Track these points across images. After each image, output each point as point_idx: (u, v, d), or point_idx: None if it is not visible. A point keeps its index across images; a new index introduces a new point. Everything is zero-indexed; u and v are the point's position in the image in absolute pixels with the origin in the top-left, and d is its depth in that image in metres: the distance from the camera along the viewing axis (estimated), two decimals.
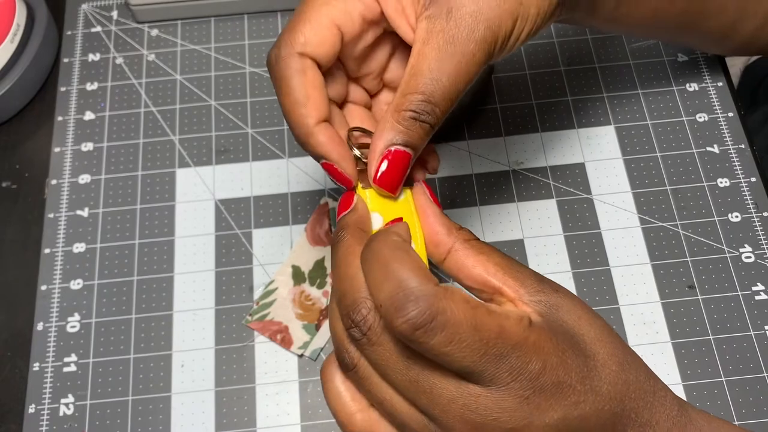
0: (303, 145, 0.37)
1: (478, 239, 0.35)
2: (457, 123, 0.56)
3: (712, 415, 0.36)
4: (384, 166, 0.36)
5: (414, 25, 0.36)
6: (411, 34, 0.37)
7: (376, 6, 0.37)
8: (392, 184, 0.36)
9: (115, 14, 0.62)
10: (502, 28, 0.35)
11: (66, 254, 0.53)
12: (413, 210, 0.37)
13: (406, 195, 0.38)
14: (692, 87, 0.58)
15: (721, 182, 0.54)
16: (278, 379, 0.49)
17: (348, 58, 0.39)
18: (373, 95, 0.41)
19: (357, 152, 0.38)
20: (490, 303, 0.33)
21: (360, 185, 0.38)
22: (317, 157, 0.37)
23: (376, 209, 0.37)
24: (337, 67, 0.39)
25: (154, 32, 0.61)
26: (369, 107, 0.41)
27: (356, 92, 0.41)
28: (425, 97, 0.35)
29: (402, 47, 0.40)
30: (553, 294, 0.33)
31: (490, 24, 0.35)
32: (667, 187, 0.54)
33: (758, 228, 0.52)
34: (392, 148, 0.35)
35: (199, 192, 0.55)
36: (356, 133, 0.39)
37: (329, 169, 0.37)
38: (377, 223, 0.37)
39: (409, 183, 0.38)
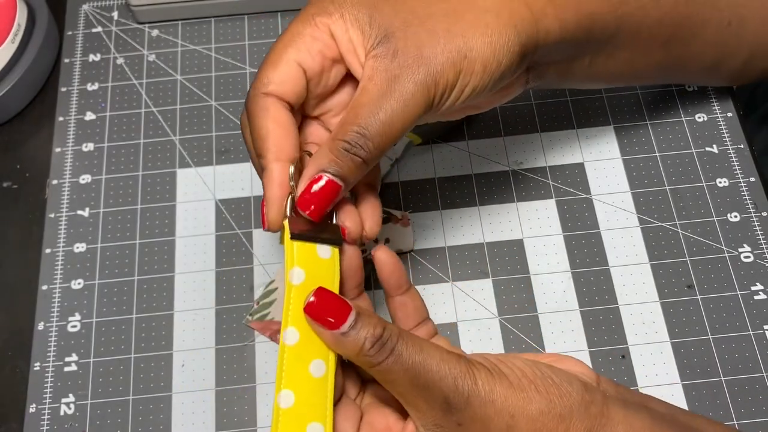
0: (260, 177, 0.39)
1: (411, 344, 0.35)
2: (457, 123, 0.56)
3: (634, 414, 0.36)
4: (311, 189, 0.37)
5: (363, 63, 0.38)
6: (360, 72, 0.38)
7: (333, 44, 0.39)
8: (316, 210, 0.37)
9: (115, 15, 0.62)
10: (444, 76, 0.37)
11: (67, 254, 0.53)
12: (336, 271, 0.38)
13: (333, 254, 0.38)
14: (691, 87, 0.58)
15: (720, 182, 0.54)
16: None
17: (310, 95, 0.40)
18: None
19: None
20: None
21: (289, 235, 0.37)
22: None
23: (301, 264, 0.37)
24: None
25: (155, 33, 0.61)
26: None
27: (318, 131, 0.42)
28: (360, 129, 0.36)
29: None
30: (452, 431, 0.35)
31: (431, 70, 0.37)
32: (666, 187, 0.54)
33: (757, 228, 0.52)
34: (322, 175, 0.37)
35: (199, 192, 0.55)
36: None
37: (261, 206, 0.38)
38: (299, 277, 0.37)
39: (338, 242, 0.39)
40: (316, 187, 0.37)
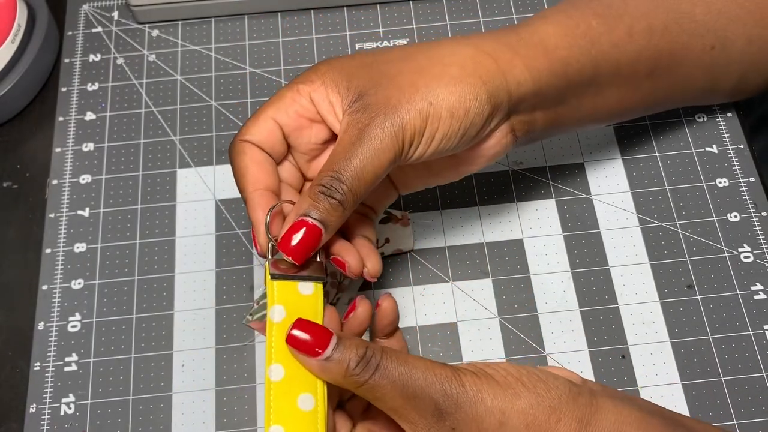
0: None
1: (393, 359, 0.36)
2: None
3: (623, 405, 0.37)
4: (295, 235, 0.38)
5: (342, 121, 0.41)
6: (338, 127, 0.41)
7: (312, 107, 0.42)
8: (298, 253, 0.39)
9: (115, 15, 0.62)
10: (410, 123, 0.40)
11: (67, 254, 0.53)
12: (318, 306, 0.39)
13: (316, 290, 0.39)
14: None
15: (720, 182, 0.54)
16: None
17: (297, 153, 0.43)
18: None
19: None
20: None
21: (270, 275, 0.39)
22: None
23: (281, 302, 0.38)
24: (292, 163, 0.44)
25: (155, 33, 0.61)
26: None
27: None
28: (335, 174, 0.38)
29: None
30: None
31: (398, 118, 0.39)
32: (666, 187, 0.54)
33: (757, 228, 0.52)
34: (305, 219, 0.38)
35: (199, 192, 0.55)
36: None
37: (252, 233, 0.41)
38: (280, 315, 0.38)
39: (320, 279, 0.40)
40: (297, 232, 0.39)
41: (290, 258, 0.39)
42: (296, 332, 0.36)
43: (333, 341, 0.36)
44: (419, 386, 0.35)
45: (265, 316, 0.50)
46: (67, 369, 0.49)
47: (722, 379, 0.48)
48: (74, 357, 0.50)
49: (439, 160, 0.43)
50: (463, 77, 0.41)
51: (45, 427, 0.48)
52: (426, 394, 0.35)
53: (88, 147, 0.57)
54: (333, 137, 0.43)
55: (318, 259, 0.40)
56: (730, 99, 0.56)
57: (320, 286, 0.40)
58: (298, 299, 0.39)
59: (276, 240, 0.40)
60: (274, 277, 0.39)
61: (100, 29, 0.62)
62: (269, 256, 0.40)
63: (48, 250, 0.53)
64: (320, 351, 0.36)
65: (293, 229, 0.38)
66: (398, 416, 0.36)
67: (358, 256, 0.41)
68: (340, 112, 0.41)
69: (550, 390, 0.36)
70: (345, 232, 0.43)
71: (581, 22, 0.46)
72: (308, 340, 0.36)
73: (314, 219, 0.38)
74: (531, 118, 0.45)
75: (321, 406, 0.37)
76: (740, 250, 0.52)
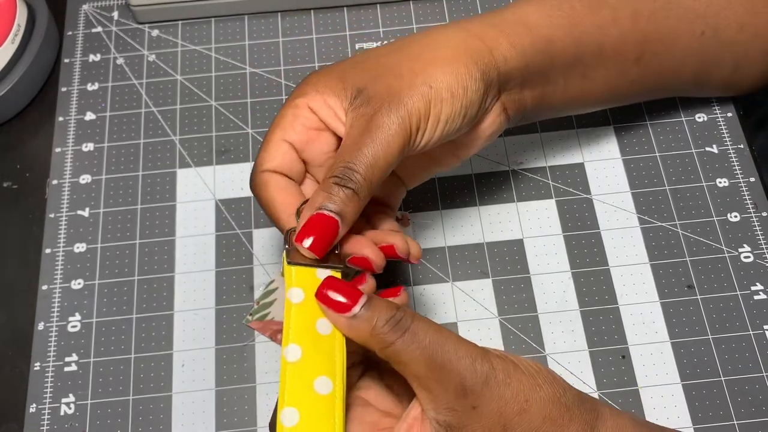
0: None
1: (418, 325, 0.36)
2: None
3: (619, 414, 0.38)
4: (313, 229, 0.38)
5: (345, 121, 0.41)
6: (343, 130, 0.41)
7: (314, 116, 0.42)
8: (317, 247, 0.38)
9: (115, 15, 0.62)
10: (414, 107, 0.40)
11: (67, 254, 0.53)
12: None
13: (334, 274, 0.39)
14: None
15: (720, 182, 0.54)
16: (278, 378, 0.49)
17: (313, 167, 0.43)
18: None
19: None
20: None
21: (286, 261, 0.39)
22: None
23: (300, 285, 0.38)
24: (312, 179, 0.44)
25: (155, 33, 0.61)
26: None
27: None
28: (346, 164, 0.38)
29: None
30: (466, 414, 0.35)
31: (402, 104, 0.40)
32: (667, 187, 0.54)
33: (757, 228, 0.52)
34: (321, 212, 0.38)
35: (199, 192, 0.55)
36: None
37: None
38: (298, 297, 0.38)
39: (339, 268, 0.39)
40: (314, 224, 0.38)
41: (310, 253, 0.38)
42: (326, 288, 0.37)
43: (362, 300, 0.36)
44: (448, 358, 0.35)
45: (265, 316, 0.50)
46: (66, 369, 0.49)
47: (722, 379, 0.48)
48: (74, 357, 0.50)
49: (440, 147, 0.43)
50: (457, 57, 0.41)
51: (45, 428, 0.48)
52: (454, 367, 0.35)
53: (88, 147, 0.57)
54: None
55: (336, 252, 0.40)
56: (725, 92, 0.56)
57: (338, 273, 0.39)
58: (317, 283, 0.38)
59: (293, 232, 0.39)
60: (291, 263, 0.38)
61: (100, 29, 0.62)
62: (286, 245, 0.39)
63: (48, 250, 0.53)
64: (349, 307, 0.36)
65: (310, 224, 0.38)
66: (419, 386, 0.36)
67: (379, 252, 0.40)
68: (342, 114, 0.41)
69: (565, 390, 0.36)
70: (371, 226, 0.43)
71: (563, 4, 0.46)
72: (338, 297, 0.36)
73: (330, 211, 0.38)
74: (520, 96, 0.46)
75: (339, 390, 0.36)
76: (740, 250, 0.52)
